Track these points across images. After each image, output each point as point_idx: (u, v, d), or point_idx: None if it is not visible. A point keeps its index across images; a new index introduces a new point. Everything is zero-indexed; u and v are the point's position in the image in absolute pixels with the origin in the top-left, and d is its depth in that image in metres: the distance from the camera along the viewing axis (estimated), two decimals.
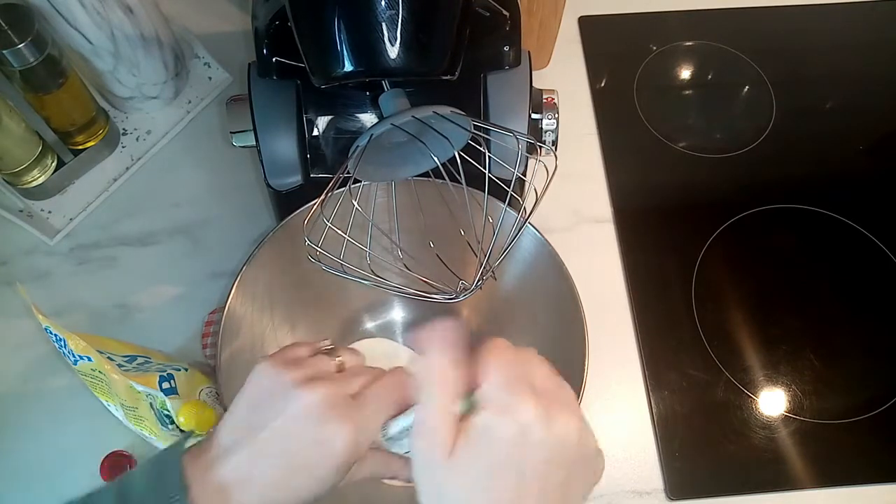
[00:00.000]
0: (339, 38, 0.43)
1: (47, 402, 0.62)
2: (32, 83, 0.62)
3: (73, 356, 0.50)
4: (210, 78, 0.77)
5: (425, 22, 0.44)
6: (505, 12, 0.54)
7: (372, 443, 0.37)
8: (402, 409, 0.38)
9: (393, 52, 0.43)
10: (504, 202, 0.53)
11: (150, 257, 0.69)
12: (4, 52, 0.58)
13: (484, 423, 0.32)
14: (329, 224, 0.46)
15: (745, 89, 0.81)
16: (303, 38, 0.46)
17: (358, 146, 0.47)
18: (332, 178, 0.46)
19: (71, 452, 0.60)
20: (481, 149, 0.47)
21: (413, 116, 0.45)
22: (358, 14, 0.42)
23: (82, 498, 0.35)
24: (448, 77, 0.47)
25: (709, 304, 0.68)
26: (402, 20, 0.42)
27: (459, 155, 0.46)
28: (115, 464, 0.57)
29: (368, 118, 0.59)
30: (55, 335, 0.50)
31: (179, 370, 0.55)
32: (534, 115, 0.59)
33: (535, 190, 0.47)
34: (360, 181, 0.53)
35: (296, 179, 0.58)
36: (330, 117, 0.59)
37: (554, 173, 0.47)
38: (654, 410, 0.63)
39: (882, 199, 0.74)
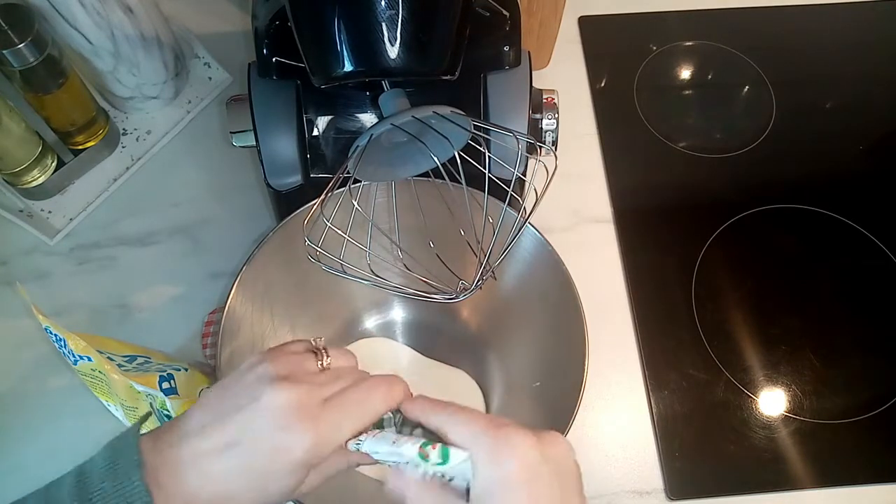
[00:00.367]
0: (339, 37, 0.43)
1: (47, 402, 0.62)
2: (32, 83, 0.62)
3: (73, 356, 0.50)
4: (210, 78, 0.77)
5: (425, 22, 0.44)
6: (505, 12, 0.54)
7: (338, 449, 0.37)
8: (374, 418, 0.37)
9: (393, 52, 0.43)
10: (504, 202, 0.53)
11: (150, 257, 0.69)
12: (4, 52, 0.58)
13: (484, 485, 0.32)
14: (329, 224, 0.46)
15: (745, 89, 0.81)
16: (303, 38, 0.46)
17: (358, 146, 0.47)
18: (332, 178, 0.46)
19: (71, 452, 0.60)
20: (481, 149, 0.47)
21: (413, 116, 0.45)
22: (358, 14, 0.42)
23: (46, 486, 0.34)
24: (448, 77, 0.47)
25: (709, 304, 0.68)
26: (402, 20, 0.42)
27: (459, 155, 0.46)
28: None
29: (368, 118, 0.59)
30: (55, 335, 0.50)
31: (179, 370, 0.55)
32: (534, 115, 0.59)
33: (535, 190, 0.47)
34: (360, 181, 0.53)
35: (296, 179, 0.58)
36: (330, 117, 0.59)
37: (554, 173, 0.47)
38: (654, 410, 0.63)
39: (882, 199, 0.74)
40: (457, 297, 0.48)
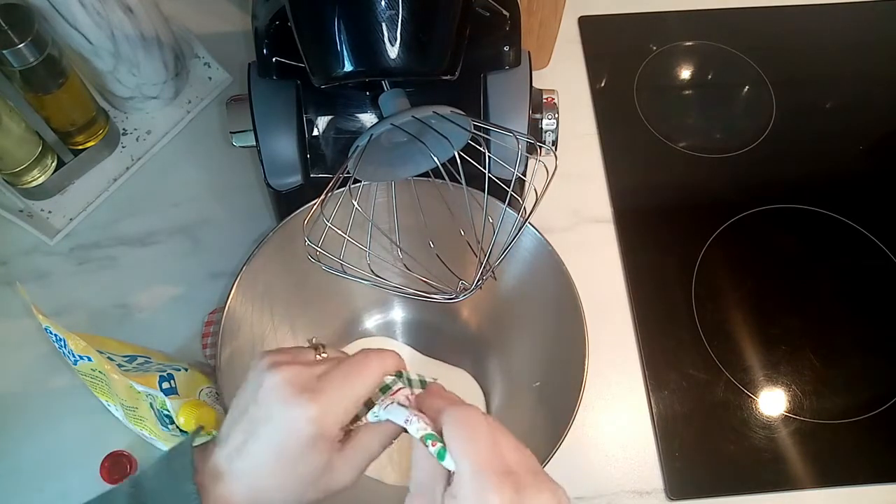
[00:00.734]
0: (339, 38, 0.43)
1: (47, 402, 0.62)
2: (32, 83, 0.62)
3: (73, 356, 0.50)
4: (210, 78, 0.77)
5: (425, 22, 0.44)
6: (505, 12, 0.54)
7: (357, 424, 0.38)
8: (373, 383, 0.38)
9: (393, 52, 0.43)
10: (504, 202, 0.53)
11: (150, 257, 0.69)
12: (4, 52, 0.58)
13: None
14: (329, 224, 0.46)
15: (745, 89, 0.81)
16: (303, 38, 0.46)
17: (358, 146, 0.47)
18: (332, 178, 0.46)
19: (71, 452, 0.60)
20: (481, 149, 0.47)
21: (413, 116, 0.45)
22: (358, 14, 0.42)
23: (100, 495, 0.36)
24: (448, 77, 0.47)
25: (709, 304, 0.68)
26: (402, 20, 0.42)
27: (459, 155, 0.46)
28: (115, 464, 0.57)
29: (368, 118, 0.59)
30: (55, 335, 0.50)
31: (179, 370, 0.55)
32: (534, 115, 0.59)
33: (535, 190, 0.47)
34: (360, 181, 0.53)
35: (296, 179, 0.58)
36: (330, 117, 0.59)
37: (554, 173, 0.46)
38: (654, 410, 0.63)
39: (882, 199, 0.74)
40: (457, 297, 0.48)
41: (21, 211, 0.69)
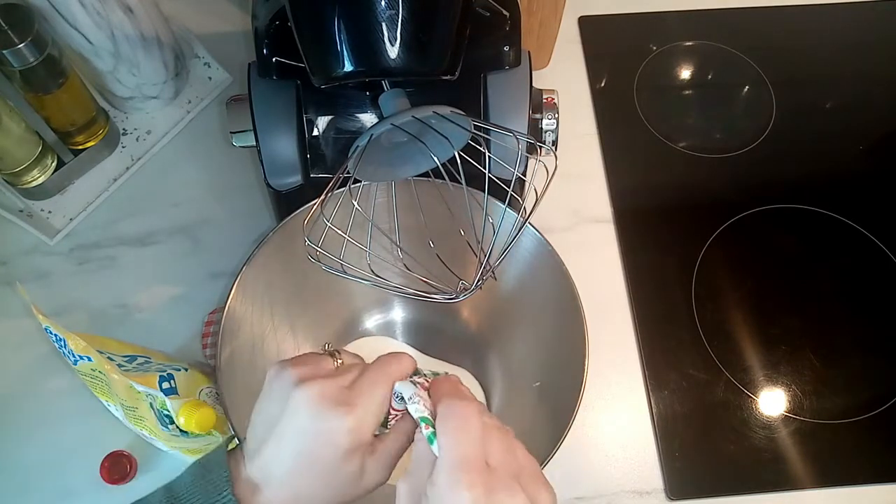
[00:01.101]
0: (339, 38, 0.43)
1: (47, 402, 0.62)
2: (32, 83, 0.62)
3: (73, 356, 0.50)
4: (210, 78, 0.77)
5: (425, 22, 0.44)
6: (505, 12, 0.54)
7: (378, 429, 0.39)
8: (396, 380, 0.39)
9: (393, 52, 0.43)
10: (504, 202, 0.53)
11: (150, 257, 0.69)
12: (4, 52, 0.58)
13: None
14: (329, 224, 0.46)
15: (745, 89, 0.81)
16: (303, 38, 0.46)
17: (358, 146, 0.47)
18: (332, 178, 0.46)
19: (71, 452, 0.60)
20: (481, 149, 0.47)
21: (413, 116, 0.45)
22: (358, 14, 0.42)
23: (135, 502, 0.37)
24: (448, 77, 0.47)
25: (709, 304, 0.68)
26: (402, 20, 0.42)
27: (459, 155, 0.46)
28: (115, 464, 0.57)
29: (368, 118, 0.59)
30: (55, 335, 0.50)
31: (179, 370, 0.55)
32: (534, 115, 0.59)
33: (535, 190, 0.47)
34: (360, 181, 0.53)
35: (296, 179, 0.58)
36: (330, 117, 0.59)
37: (554, 173, 0.46)
38: (654, 410, 0.63)
39: (882, 199, 0.74)
40: (457, 297, 0.48)
41: (21, 211, 0.69)
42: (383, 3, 0.42)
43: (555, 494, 0.34)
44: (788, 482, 0.60)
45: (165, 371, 0.53)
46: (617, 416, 0.63)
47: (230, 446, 0.39)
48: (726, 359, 0.65)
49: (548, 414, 0.54)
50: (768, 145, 0.76)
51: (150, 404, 0.50)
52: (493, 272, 0.49)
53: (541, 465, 0.47)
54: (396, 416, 0.40)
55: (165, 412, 0.50)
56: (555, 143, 0.60)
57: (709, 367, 0.65)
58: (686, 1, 0.85)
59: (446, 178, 0.47)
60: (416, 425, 0.37)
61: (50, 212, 0.70)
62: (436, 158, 0.45)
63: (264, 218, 0.70)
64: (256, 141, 0.57)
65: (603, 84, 0.80)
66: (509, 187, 0.50)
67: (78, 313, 0.66)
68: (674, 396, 0.63)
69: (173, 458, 0.58)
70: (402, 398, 0.38)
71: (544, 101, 0.59)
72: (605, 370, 0.64)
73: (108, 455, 0.57)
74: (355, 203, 0.47)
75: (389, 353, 0.40)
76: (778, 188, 0.74)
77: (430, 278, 0.50)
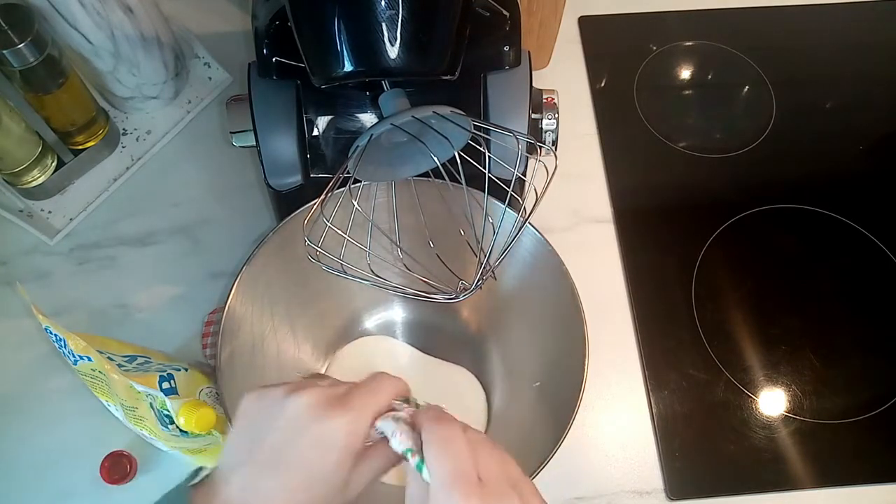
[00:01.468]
0: (339, 38, 0.43)
1: (47, 402, 0.62)
2: (32, 83, 0.62)
3: (73, 356, 0.50)
4: (210, 78, 0.77)
5: (425, 22, 0.44)
6: (505, 12, 0.54)
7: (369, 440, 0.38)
8: (388, 400, 0.39)
9: (393, 52, 0.43)
10: (504, 202, 0.53)
11: (150, 257, 0.69)
12: (4, 52, 0.58)
13: None
14: (329, 224, 0.46)
15: (745, 89, 0.81)
16: (303, 38, 0.46)
17: (358, 146, 0.47)
18: (332, 178, 0.46)
19: (71, 452, 0.60)
20: (481, 149, 0.47)
21: (413, 116, 0.45)
22: (358, 14, 0.42)
23: None
24: (448, 77, 0.47)
25: (709, 304, 0.68)
26: (402, 20, 0.42)
27: (459, 155, 0.46)
28: (115, 464, 0.57)
29: (368, 118, 0.59)
30: (55, 335, 0.50)
31: (179, 370, 0.55)
32: (534, 115, 0.59)
33: (535, 190, 0.47)
34: (360, 181, 0.53)
35: (296, 179, 0.58)
36: (330, 117, 0.59)
37: (554, 173, 0.47)
38: (654, 410, 0.63)
39: (882, 199, 0.74)
40: (457, 297, 0.48)
41: (21, 211, 0.69)
42: (383, 3, 0.42)
43: None
44: (788, 482, 0.60)
45: (165, 371, 0.53)
46: (617, 416, 0.63)
47: (197, 479, 0.38)
48: (726, 359, 0.65)
49: (548, 414, 0.54)
50: (768, 145, 0.76)
51: (150, 404, 0.50)
52: (493, 272, 0.49)
53: (541, 464, 0.47)
54: None
55: (165, 412, 0.50)
56: (555, 143, 0.60)
57: (709, 367, 0.65)
58: (686, 1, 0.85)
59: (446, 178, 0.47)
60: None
61: (50, 212, 0.70)
62: (436, 158, 0.45)
63: (264, 218, 0.70)
64: (256, 141, 0.57)
65: (603, 84, 0.80)
66: (509, 187, 0.50)
67: (78, 313, 0.66)
68: (674, 396, 0.63)
69: (173, 458, 0.58)
70: (377, 426, 0.38)
71: (544, 101, 0.59)
72: (605, 370, 0.64)
73: (108, 455, 0.57)
74: (355, 203, 0.47)
75: (383, 374, 0.40)
76: (778, 188, 0.74)
77: (430, 278, 0.50)
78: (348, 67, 0.44)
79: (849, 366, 0.65)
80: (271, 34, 0.53)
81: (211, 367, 0.61)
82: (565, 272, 0.53)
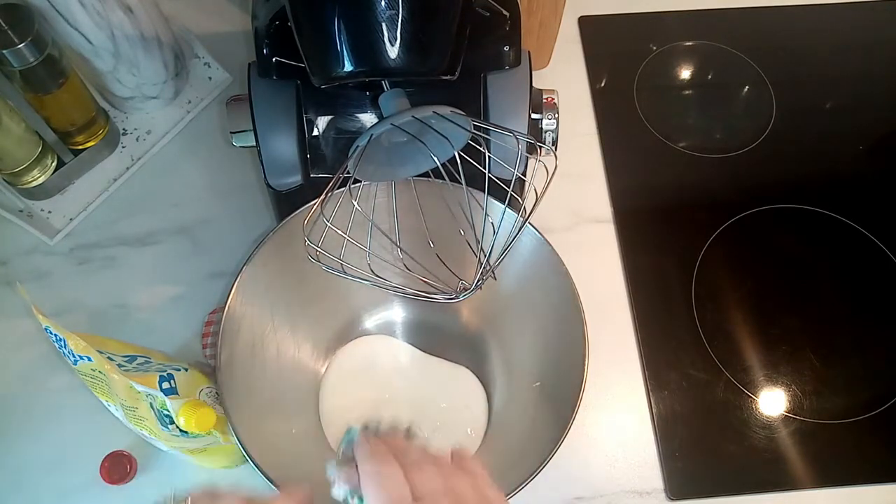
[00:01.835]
0: (339, 38, 0.43)
1: (47, 402, 0.62)
2: (32, 83, 0.62)
3: (73, 356, 0.50)
4: (210, 78, 0.77)
5: (425, 22, 0.44)
6: (505, 12, 0.54)
7: None
8: None
9: (393, 52, 0.43)
10: (504, 202, 0.53)
11: (150, 257, 0.69)
12: (4, 52, 0.58)
13: None
14: (329, 224, 0.46)
15: (745, 89, 0.81)
16: (303, 38, 0.46)
17: (358, 146, 0.47)
18: (332, 178, 0.46)
19: (71, 452, 0.60)
20: (481, 149, 0.47)
21: (413, 116, 0.45)
22: (358, 14, 0.42)
23: None
24: (448, 77, 0.47)
25: (709, 304, 0.68)
26: (402, 20, 0.42)
27: (459, 155, 0.46)
28: (115, 464, 0.57)
29: (368, 118, 0.59)
30: (55, 335, 0.49)
31: (179, 370, 0.55)
32: (534, 115, 0.59)
33: (535, 190, 0.47)
34: (360, 181, 0.53)
35: (296, 179, 0.58)
36: (330, 117, 0.59)
37: (554, 173, 0.47)
38: (654, 410, 0.63)
39: (882, 199, 0.74)
40: (457, 297, 0.48)
41: (21, 211, 0.69)
42: (383, 3, 0.42)
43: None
44: (788, 482, 0.60)
45: (165, 371, 0.53)
46: (617, 416, 0.63)
47: None
48: (726, 359, 0.65)
49: (548, 414, 0.54)
50: (768, 145, 0.76)
51: (150, 404, 0.50)
52: (493, 272, 0.49)
53: (541, 464, 0.47)
54: None
55: (165, 412, 0.50)
56: (555, 143, 0.60)
57: (709, 367, 0.65)
58: (686, 1, 0.85)
59: (446, 178, 0.47)
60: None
61: (50, 212, 0.70)
62: (436, 158, 0.45)
63: (264, 218, 0.70)
64: (256, 141, 0.57)
65: (603, 84, 0.80)
66: (509, 187, 0.50)
67: (78, 313, 0.66)
68: (674, 396, 0.63)
69: (173, 458, 0.58)
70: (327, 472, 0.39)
71: (544, 101, 0.59)
72: (605, 370, 0.64)
73: (108, 455, 0.57)
74: (355, 203, 0.47)
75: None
76: (778, 188, 0.74)
77: (430, 278, 0.50)
78: (348, 67, 0.44)
79: (849, 366, 0.65)
80: (271, 34, 0.53)
81: (211, 367, 0.61)
82: (565, 272, 0.53)
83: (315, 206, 0.48)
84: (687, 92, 0.81)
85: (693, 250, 0.70)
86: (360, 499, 0.36)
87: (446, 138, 0.45)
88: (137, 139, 0.73)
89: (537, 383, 0.58)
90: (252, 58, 0.55)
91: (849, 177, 0.76)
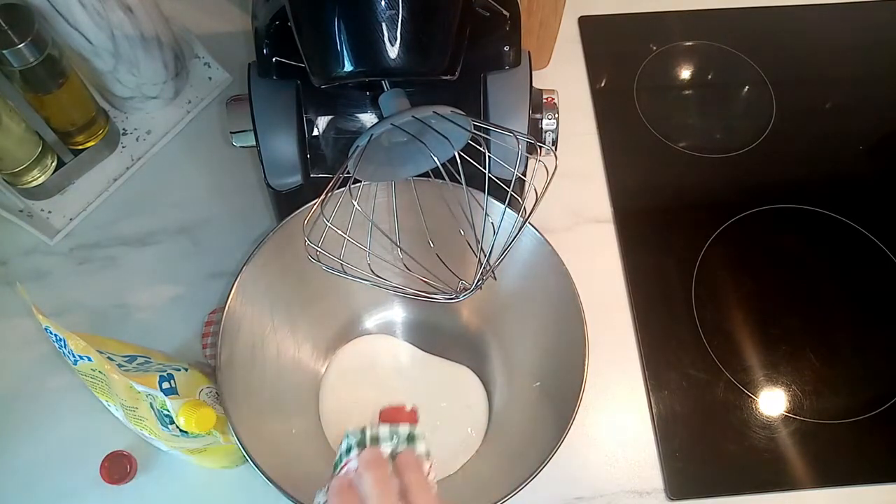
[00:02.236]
0: (340, 38, 0.43)
1: (47, 402, 0.62)
2: (32, 83, 0.62)
3: (73, 356, 0.50)
4: (210, 78, 0.77)
5: (425, 22, 0.44)
6: (505, 12, 0.54)
7: None
8: None
9: (393, 52, 0.43)
10: (504, 202, 0.53)
11: (150, 257, 0.69)
12: (4, 52, 0.58)
13: None
14: (329, 224, 0.46)
15: (745, 89, 0.81)
16: (303, 39, 0.46)
17: (358, 146, 0.47)
18: (332, 178, 0.46)
19: (71, 452, 0.60)
20: (481, 149, 0.47)
21: (413, 116, 0.45)
22: (358, 14, 0.42)
23: None
24: (448, 77, 0.47)
25: (709, 304, 0.68)
26: (402, 20, 0.42)
27: (459, 155, 0.46)
28: (115, 464, 0.57)
29: (368, 118, 0.59)
30: (55, 335, 0.49)
31: (179, 370, 0.55)
32: (534, 115, 0.59)
33: (535, 190, 0.47)
34: (360, 181, 0.53)
35: (296, 179, 0.58)
36: (330, 117, 0.59)
37: (554, 173, 0.46)
38: (654, 410, 0.63)
39: (882, 199, 0.74)
40: (457, 297, 0.48)
41: (21, 211, 0.69)
42: (383, 3, 0.42)
43: None
44: (788, 482, 0.60)
45: (165, 371, 0.53)
46: (617, 416, 0.63)
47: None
48: (726, 359, 0.65)
49: (548, 414, 0.54)
50: (768, 145, 0.76)
51: (150, 404, 0.50)
52: (493, 272, 0.49)
53: (541, 464, 0.47)
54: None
55: (165, 412, 0.50)
56: (555, 143, 0.60)
57: (709, 367, 0.65)
58: (686, 1, 0.85)
59: (446, 178, 0.47)
60: None
61: (50, 212, 0.70)
62: (436, 158, 0.45)
63: (264, 218, 0.70)
64: (256, 141, 0.57)
65: (603, 84, 0.80)
66: (509, 187, 0.50)
67: (78, 313, 0.66)
68: (674, 396, 0.63)
69: (173, 458, 0.58)
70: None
71: (544, 101, 0.59)
72: (605, 370, 0.64)
73: (108, 455, 0.57)
74: (355, 203, 0.47)
75: None
76: (778, 188, 0.74)
77: (430, 278, 0.50)
78: (348, 67, 0.44)
79: (849, 366, 0.65)
80: (271, 34, 0.53)
81: (211, 367, 0.61)
82: (565, 272, 0.53)
83: (315, 206, 0.48)
84: (687, 92, 0.81)
85: (693, 250, 0.70)
86: None
87: (446, 138, 0.45)
88: (137, 139, 0.73)
89: (537, 383, 0.58)
90: (252, 58, 0.55)
91: (849, 177, 0.76)
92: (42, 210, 0.70)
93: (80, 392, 0.59)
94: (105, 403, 0.54)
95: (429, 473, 0.39)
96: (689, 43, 0.83)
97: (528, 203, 0.49)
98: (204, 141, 0.74)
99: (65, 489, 0.59)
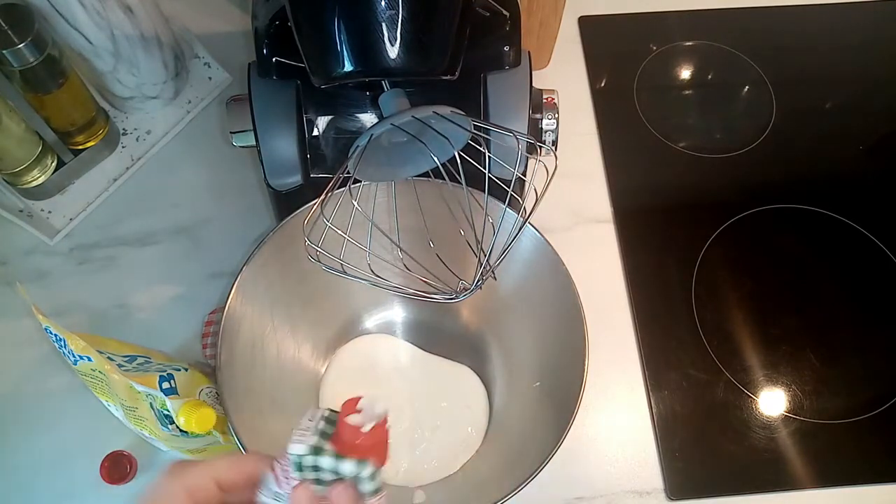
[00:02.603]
0: (340, 38, 0.43)
1: (47, 402, 0.62)
2: (32, 83, 0.62)
3: (73, 356, 0.50)
4: (210, 78, 0.77)
5: (425, 22, 0.44)
6: (505, 12, 0.54)
7: None
8: (244, 472, 0.39)
9: (393, 52, 0.43)
10: (504, 202, 0.53)
11: (150, 257, 0.69)
12: (4, 52, 0.58)
13: None
14: (329, 224, 0.46)
15: (745, 89, 0.81)
16: (303, 38, 0.46)
17: (358, 146, 0.47)
18: (332, 178, 0.46)
19: (71, 452, 0.60)
20: (481, 149, 0.47)
21: (413, 116, 0.45)
22: (358, 14, 0.42)
23: None
24: (448, 77, 0.47)
25: (709, 304, 0.68)
26: (402, 20, 0.42)
27: (459, 155, 0.46)
28: (115, 464, 0.57)
29: (368, 118, 0.59)
30: (55, 335, 0.49)
31: (179, 370, 0.55)
32: (534, 115, 0.59)
33: (535, 190, 0.47)
34: (360, 181, 0.53)
35: (296, 179, 0.58)
36: (330, 117, 0.59)
37: (554, 173, 0.46)
38: (654, 410, 0.63)
39: (882, 199, 0.74)
40: (457, 297, 0.48)
41: (21, 211, 0.69)
42: (383, 3, 0.42)
43: None
44: (788, 482, 0.60)
45: (165, 371, 0.53)
46: (617, 416, 0.63)
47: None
48: (726, 359, 0.65)
49: (548, 413, 0.54)
50: (768, 145, 0.76)
51: (150, 404, 0.50)
52: (493, 272, 0.49)
53: (541, 464, 0.47)
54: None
55: (165, 412, 0.50)
56: (555, 143, 0.60)
57: (709, 367, 0.65)
58: (686, 1, 0.85)
59: (446, 178, 0.47)
60: None
61: (50, 212, 0.70)
62: (436, 158, 0.45)
63: (264, 218, 0.70)
64: (256, 141, 0.57)
65: (603, 84, 0.80)
66: (509, 187, 0.50)
67: (78, 313, 0.66)
68: (674, 396, 0.63)
69: (173, 458, 0.58)
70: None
71: (544, 101, 0.59)
72: (605, 370, 0.64)
73: (108, 455, 0.57)
74: (355, 203, 0.47)
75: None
76: (778, 188, 0.74)
77: (430, 278, 0.50)
78: (348, 67, 0.44)
79: (849, 366, 0.65)
80: (271, 34, 0.53)
81: (211, 367, 0.61)
82: (565, 272, 0.53)
83: (315, 206, 0.48)
84: (687, 92, 0.81)
85: (693, 250, 0.70)
86: None
87: (446, 138, 0.45)
88: (137, 139, 0.73)
89: (537, 383, 0.58)
90: (252, 58, 0.55)
91: (849, 177, 0.76)
92: (42, 210, 0.70)
93: (80, 392, 0.59)
94: (105, 403, 0.55)
95: None
96: (689, 43, 0.83)
97: (528, 203, 0.49)
98: (204, 141, 0.74)
99: (65, 489, 0.59)
